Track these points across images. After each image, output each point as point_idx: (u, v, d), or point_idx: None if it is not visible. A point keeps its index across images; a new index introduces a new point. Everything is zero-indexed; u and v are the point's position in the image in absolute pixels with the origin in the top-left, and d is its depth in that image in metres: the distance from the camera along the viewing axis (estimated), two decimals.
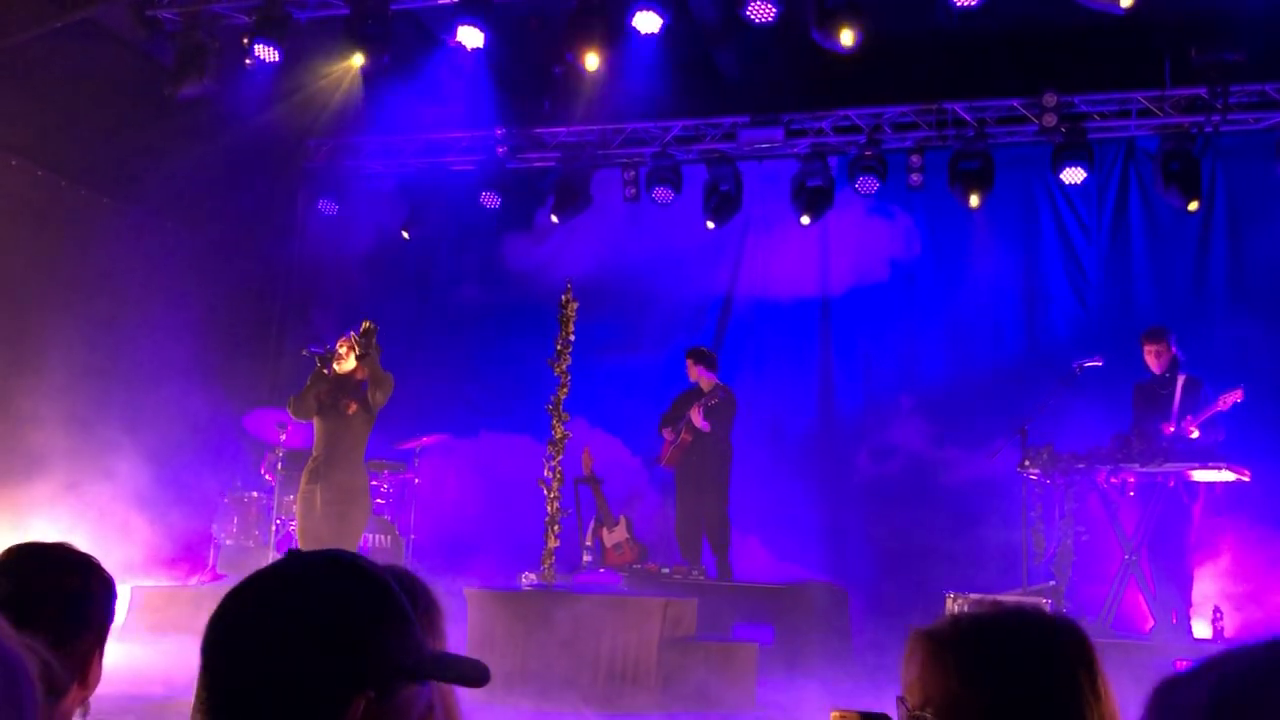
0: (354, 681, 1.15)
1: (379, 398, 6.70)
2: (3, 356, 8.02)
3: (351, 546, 6.38)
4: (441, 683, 1.33)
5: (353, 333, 6.72)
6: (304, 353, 6.69)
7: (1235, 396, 6.96)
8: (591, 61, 8.22)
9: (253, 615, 1.19)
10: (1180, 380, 7.32)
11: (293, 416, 6.82)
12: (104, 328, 8.62)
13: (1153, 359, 7.46)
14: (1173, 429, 7.12)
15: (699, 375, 8.98)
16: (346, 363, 6.65)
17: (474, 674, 1.29)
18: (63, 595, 1.81)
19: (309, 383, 6.69)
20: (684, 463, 8.91)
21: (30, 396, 7.92)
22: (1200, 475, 6.93)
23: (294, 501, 8.54)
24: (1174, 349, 7.45)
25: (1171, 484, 6.99)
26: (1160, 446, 6.96)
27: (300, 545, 6.11)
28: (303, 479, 6.79)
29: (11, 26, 8.16)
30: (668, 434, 9.03)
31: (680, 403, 9.06)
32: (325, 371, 6.64)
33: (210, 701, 1.16)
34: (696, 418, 8.67)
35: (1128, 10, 6.83)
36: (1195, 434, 7.06)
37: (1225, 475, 6.88)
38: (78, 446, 8.00)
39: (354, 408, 6.65)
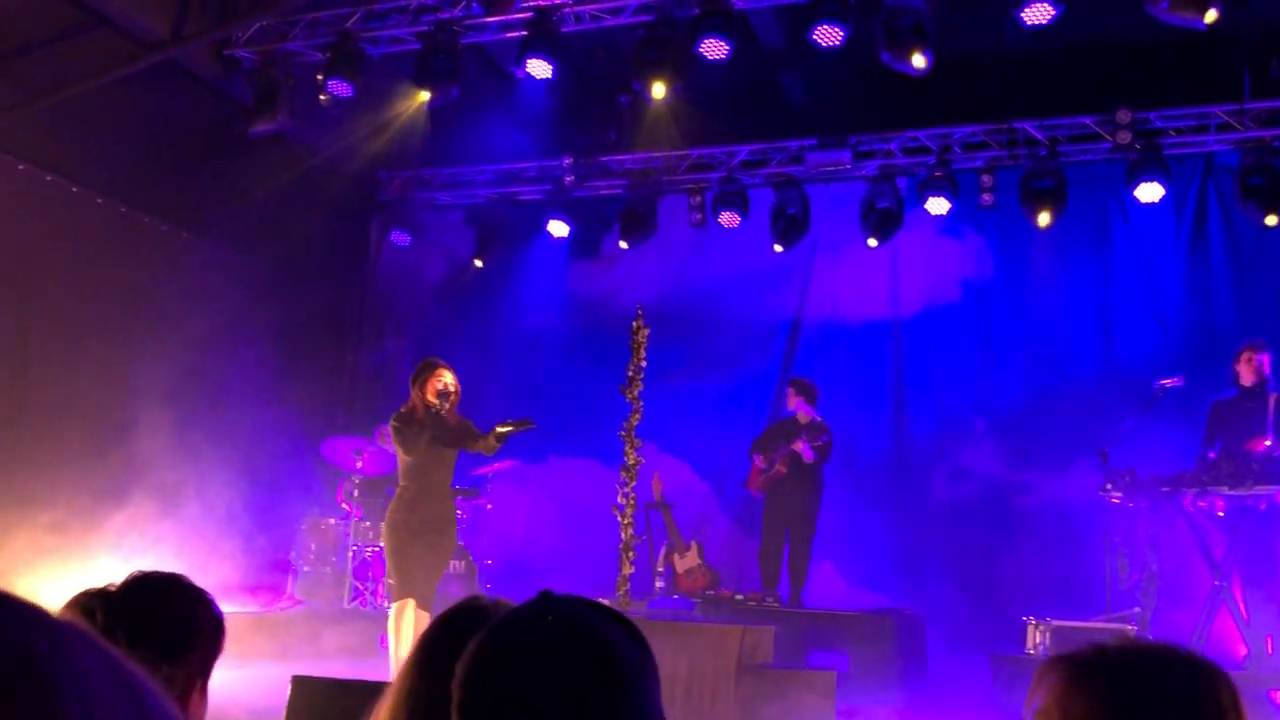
0: None
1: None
2: (94, 386, 8.24)
3: (438, 578, 6.31)
4: None
5: (451, 368, 6.45)
6: (510, 430, 6.26)
7: None
8: (658, 90, 8.27)
9: (529, 659, 1.19)
10: (1273, 397, 7.09)
11: (485, 454, 6.52)
12: (185, 359, 8.83)
13: (1250, 370, 7.20)
14: (1267, 444, 6.89)
15: (798, 406, 8.91)
16: (456, 397, 6.39)
17: None
18: (172, 623, 1.85)
19: (433, 427, 6.27)
20: (775, 492, 8.83)
21: (117, 427, 8.13)
22: None
23: (369, 528, 8.67)
24: (1268, 365, 7.22)
25: (1263, 506, 6.78)
26: (1250, 468, 6.76)
27: (395, 580, 6.14)
28: (400, 511, 6.36)
29: (95, 69, 8.43)
30: (760, 461, 8.96)
31: (775, 432, 9.01)
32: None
33: None
34: (805, 452, 8.56)
35: (1209, 25, 6.71)
36: None
37: None
38: (162, 475, 8.18)
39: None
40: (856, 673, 7.40)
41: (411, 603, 5.93)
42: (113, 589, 1.86)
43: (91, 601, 1.83)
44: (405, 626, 5.90)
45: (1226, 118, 9.10)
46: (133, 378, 8.36)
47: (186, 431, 8.58)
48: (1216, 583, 6.83)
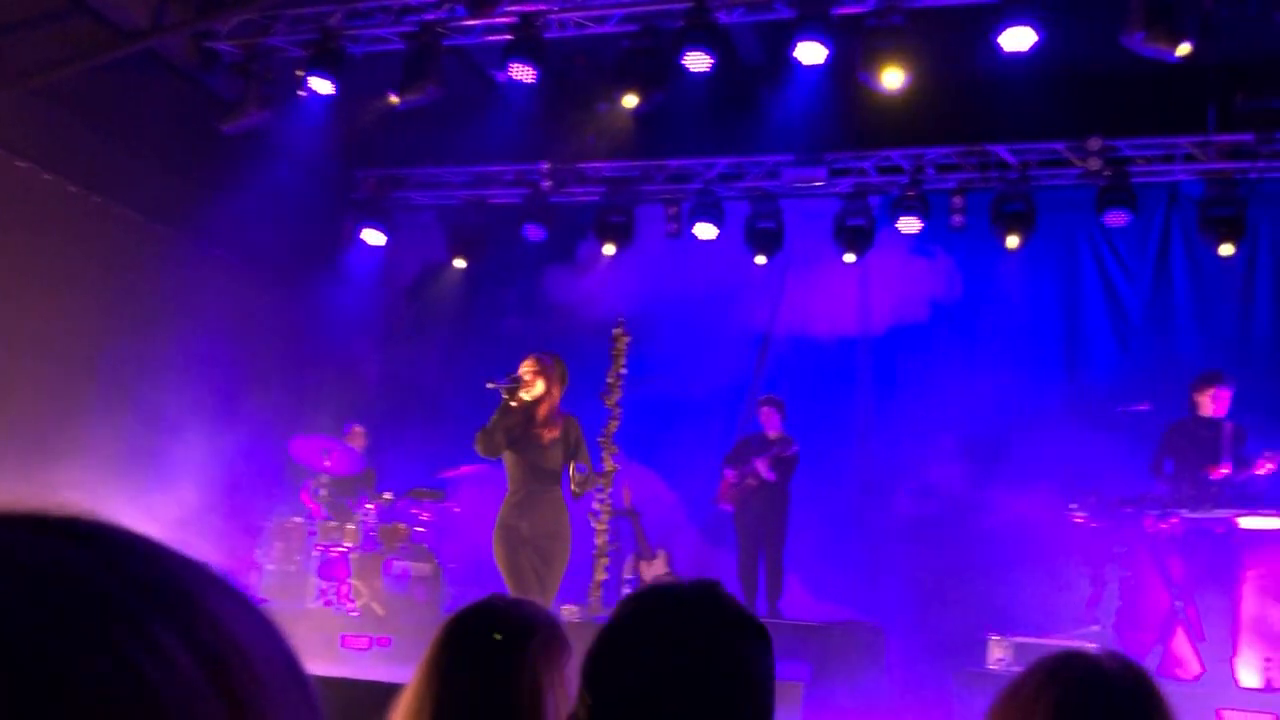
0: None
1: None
2: (58, 378, 8.13)
3: (555, 587, 6.01)
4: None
5: (534, 356, 6.15)
6: (489, 385, 6.02)
7: None
8: (639, 100, 8.32)
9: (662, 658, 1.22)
10: (1228, 426, 7.29)
11: (481, 455, 6.13)
12: (154, 352, 8.74)
13: (1211, 403, 7.39)
14: (1225, 472, 7.07)
15: (770, 421, 9.06)
16: (534, 388, 6.00)
17: None
18: None
19: (496, 417, 6.03)
20: (744, 506, 8.95)
21: (79, 420, 8.03)
22: (1248, 522, 6.89)
23: (335, 528, 8.63)
24: (1228, 401, 7.41)
25: (1221, 530, 6.95)
26: (1209, 493, 6.93)
27: (510, 588, 5.82)
28: (504, 515, 6.13)
29: (70, 56, 8.34)
30: (731, 475, 9.07)
31: (745, 446, 9.13)
32: (512, 403, 6.00)
33: None
34: (763, 469, 8.71)
35: (1181, 58, 6.87)
36: (1268, 469, 6.97)
37: (1275, 522, 6.84)
38: (127, 470, 8.09)
39: (551, 435, 6.05)
40: (818, 683, 7.46)
41: None
42: None
43: None
44: None
45: (1192, 149, 9.32)
46: (99, 370, 8.27)
47: (153, 427, 8.50)
48: (1174, 603, 6.98)
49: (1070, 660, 1.51)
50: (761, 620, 1.29)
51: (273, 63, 9.09)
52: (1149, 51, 6.89)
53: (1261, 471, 6.98)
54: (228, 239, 9.70)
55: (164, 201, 9.22)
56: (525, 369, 5.95)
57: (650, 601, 1.27)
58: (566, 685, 1.85)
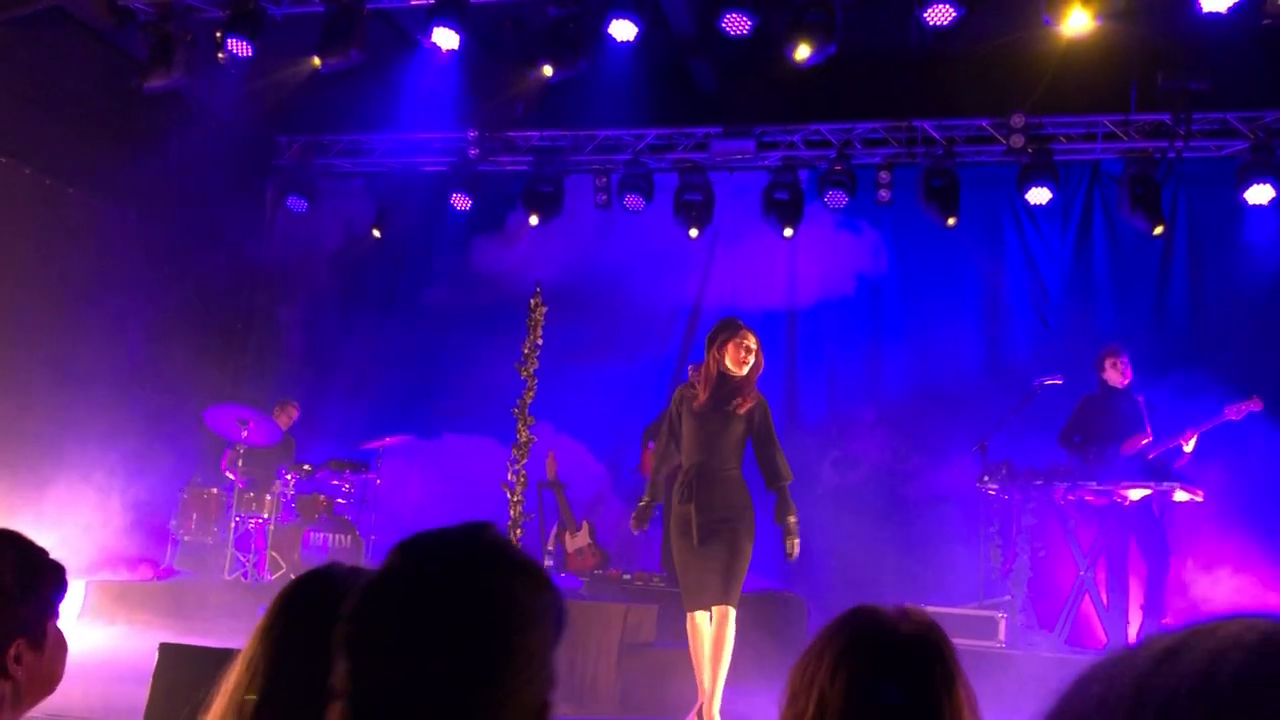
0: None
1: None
2: None
3: (740, 579, 5.52)
4: None
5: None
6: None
7: (1253, 406, 7.03)
8: (565, 67, 8.24)
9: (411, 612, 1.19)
10: (1140, 399, 7.44)
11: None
12: (63, 318, 8.52)
13: (1117, 374, 7.55)
14: (1146, 441, 7.21)
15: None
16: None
17: None
18: None
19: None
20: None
21: None
22: (1136, 494, 7.04)
23: (253, 499, 8.50)
24: (1130, 368, 7.57)
25: (1127, 502, 7.09)
26: (1117, 466, 7.07)
27: (681, 579, 5.52)
28: (674, 498, 5.65)
29: None
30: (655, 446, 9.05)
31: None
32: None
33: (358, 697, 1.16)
34: None
35: (1084, 34, 6.99)
36: (1190, 447, 7.12)
37: (1180, 495, 7.00)
38: (33, 440, 7.90)
39: (746, 405, 5.55)
40: (739, 653, 7.52)
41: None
42: None
43: None
44: None
45: (1113, 127, 9.45)
46: (7, 337, 8.04)
47: (64, 395, 8.30)
48: (1081, 573, 7.12)
49: (858, 613, 1.66)
50: (538, 562, 1.27)
51: (190, 23, 8.85)
52: (1057, 25, 7.01)
53: (1187, 447, 7.12)
54: (143, 204, 9.47)
55: (76, 164, 8.97)
56: (755, 344, 5.64)
57: (414, 551, 1.23)
58: None
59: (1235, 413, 7.03)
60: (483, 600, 1.18)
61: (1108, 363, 7.57)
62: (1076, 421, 7.58)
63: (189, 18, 8.88)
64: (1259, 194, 8.78)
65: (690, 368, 9.44)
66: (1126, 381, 7.53)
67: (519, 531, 6.32)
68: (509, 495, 6.34)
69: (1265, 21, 7.30)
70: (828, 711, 1.52)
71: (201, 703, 1.81)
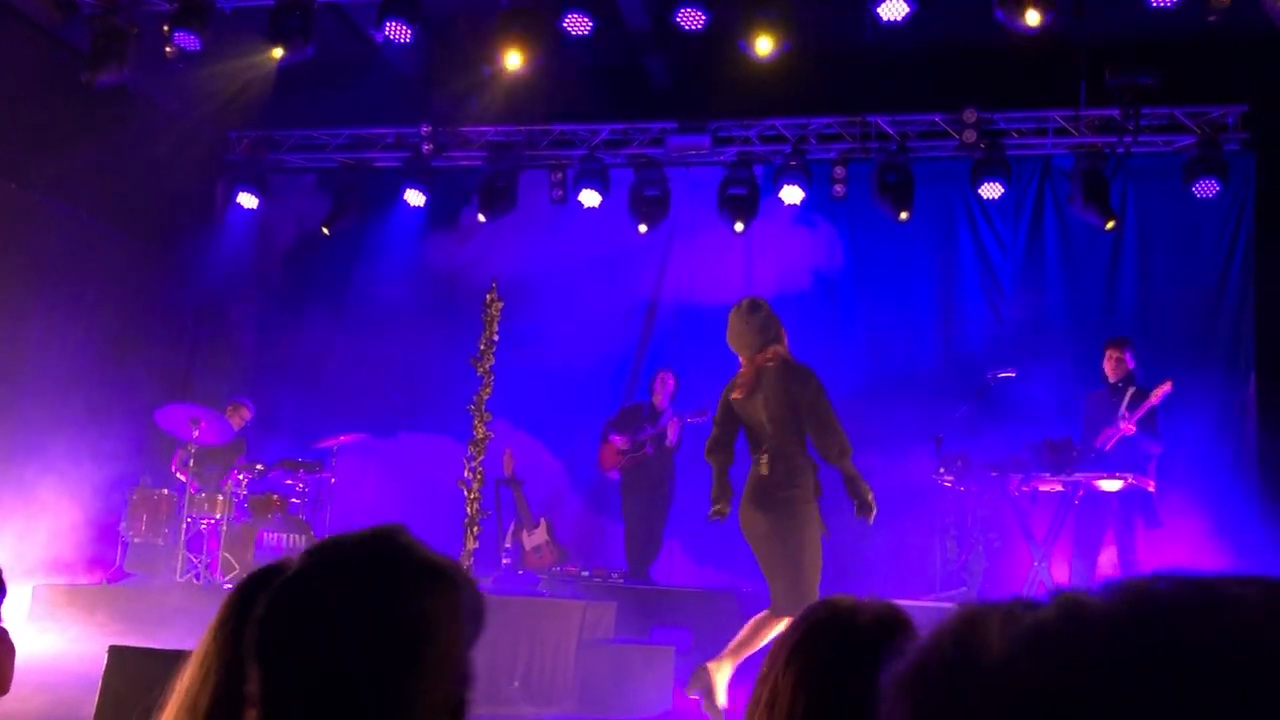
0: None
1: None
2: None
3: (811, 590, 5.19)
4: None
5: None
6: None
7: (1165, 389, 7.15)
8: (518, 62, 8.20)
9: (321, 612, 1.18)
10: (1130, 391, 7.47)
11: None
12: (10, 320, 8.34)
13: (1108, 366, 7.65)
14: (1130, 428, 7.29)
15: (668, 389, 9.11)
16: None
17: None
18: None
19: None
20: (634, 474, 9.01)
21: None
22: (1106, 485, 7.14)
23: (205, 500, 8.38)
24: (1130, 360, 7.63)
25: (1080, 494, 7.18)
26: (1070, 457, 7.15)
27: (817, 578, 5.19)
28: (743, 498, 5.45)
29: None
30: (620, 441, 9.06)
31: (633, 414, 9.16)
32: None
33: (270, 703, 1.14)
34: (674, 433, 8.86)
35: (1036, 29, 7.07)
36: (1132, 431, 7.19)
37: (1107, 485, 7.10)
38: None
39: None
40: (698, 649, 7.53)
41: None
42: None
43: None
44: None
45: (1064, 123, 9.56)
46: None
47: (10, 394, 8.13)
48: (1035, 563, 7.20)
49: (826, 602, 1.70)
50: (451, 562, 1.25)
51: (136, 15, 8.70)
52: (1009, 22, 7.07)
53: (1156, 400, 7.19)
54: (91, 201, 9.29)
55: (20, 161, 8.77)
56: None
57: (322, 556, 1.22)
58: None
59: (1155, 398, 7.16)
60: (389, 603, 1.16)
61: (1106, 354, 7.67)
62: (1081, 423, 7.69)
63: (135, 10, 8.74)
64: (1206, 188, 8.93)
65: (662, 370, 9.46)
66: (1117, 374, 7.59)
67: (476, 529, 6.28)
68: (466, 493, 6.30)
69: (1210, 18, 7.42)
70: (778, 702, 1.53)
71: (154, 704, 1.78)
